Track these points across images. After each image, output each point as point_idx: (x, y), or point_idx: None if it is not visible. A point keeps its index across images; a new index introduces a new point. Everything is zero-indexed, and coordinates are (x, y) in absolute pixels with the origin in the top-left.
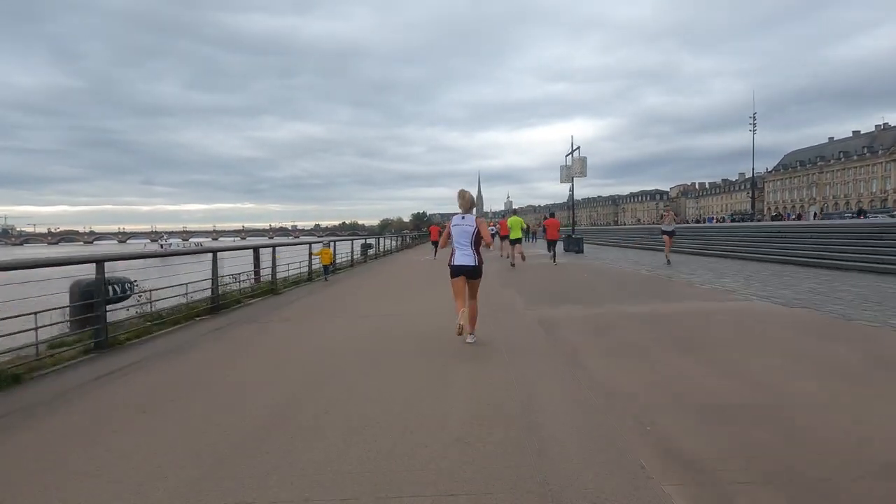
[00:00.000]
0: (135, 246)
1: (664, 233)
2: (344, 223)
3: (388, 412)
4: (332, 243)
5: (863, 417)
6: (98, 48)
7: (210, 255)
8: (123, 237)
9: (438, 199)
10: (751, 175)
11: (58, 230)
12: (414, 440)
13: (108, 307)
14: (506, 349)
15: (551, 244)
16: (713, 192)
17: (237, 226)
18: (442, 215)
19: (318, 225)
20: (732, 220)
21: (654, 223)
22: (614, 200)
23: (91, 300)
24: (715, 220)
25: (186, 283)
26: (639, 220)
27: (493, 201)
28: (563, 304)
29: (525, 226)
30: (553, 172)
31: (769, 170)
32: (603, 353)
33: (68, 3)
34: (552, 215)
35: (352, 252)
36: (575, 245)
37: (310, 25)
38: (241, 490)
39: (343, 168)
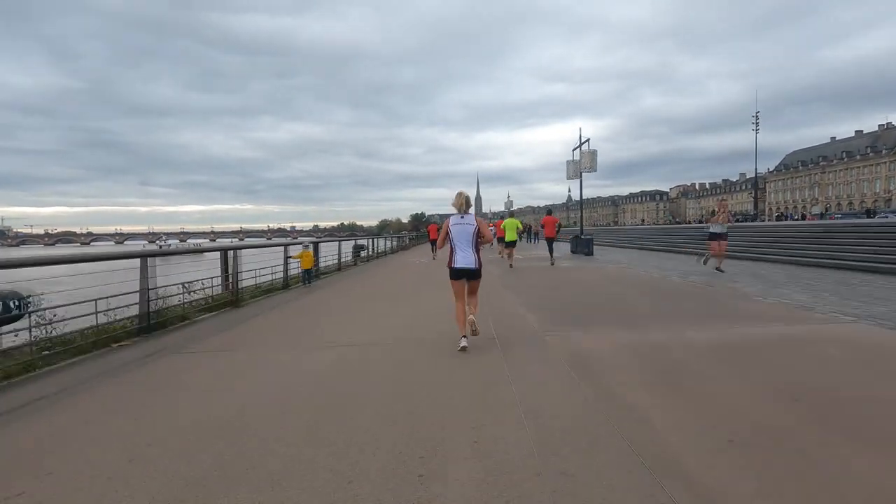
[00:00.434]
0: (134, 246)
1: (714, 236)
2: (342, 224)
3: None
4: (310, 245)
5: None
6: (96, 49)
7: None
8: (121, 238)
9: (437, 200)
10: (751, 175)
11: (55, 231)
12: None
13: None
14: (534, 438)
15: (549, 242)
16: (713, 192)
17: (235, 227)
18: (441, 216)
19: (316, 226)
20: (737, 221)
21: (666, 222)
22: (614, 201)
23: None
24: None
25: (108, 297)
26: (642, 220)
27: (493, 202)
28: (595, 326)
29: (521, 227)
30: (552, 173)
31: (770, 170)
32: (707, 441)
33: (66, 3)
34: (549, 213)
35: (339, 254)
36: (584, 246)
37: (308, 26)
38: None
39: (341, 169)
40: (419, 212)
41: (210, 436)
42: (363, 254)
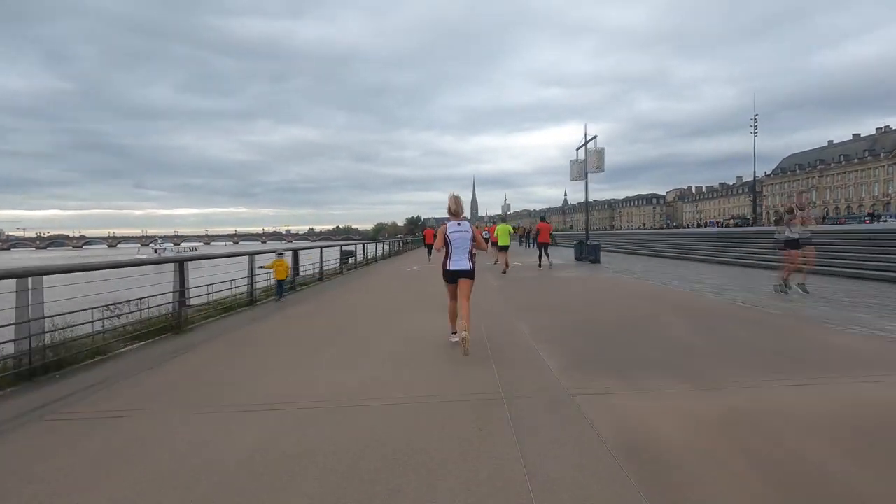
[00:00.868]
0: (127, 251)
1: (792, 244)
2: (338, 227)
3: None
4: (285, 253)
5: None
6: (91, 51)
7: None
8: (114, 241)
9: (433, 204)
10: (748, 179)
11: (47, 235)
12: None
13: None
14: None
15: (542, 247)
16: (710, 195)
17: (230, 230)
18: (437, 219)
19: (312, 229)
20: (737, 225)
21: (663, 226)
22: (610, 205)
23: None
24: (717, 225)
25: None
26: (643, 224)
27: (489, 205)
28: (639, 374)
29: (513, 231)
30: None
31: (767, 173)
32: None
33: (60, 6)
34: (543, 219)
35: (320, 262)
36: (590, 253)
37: (304, 30)
38: None
39: (337, 172)
40: (415, 215)
41: None
42: (351, 260)
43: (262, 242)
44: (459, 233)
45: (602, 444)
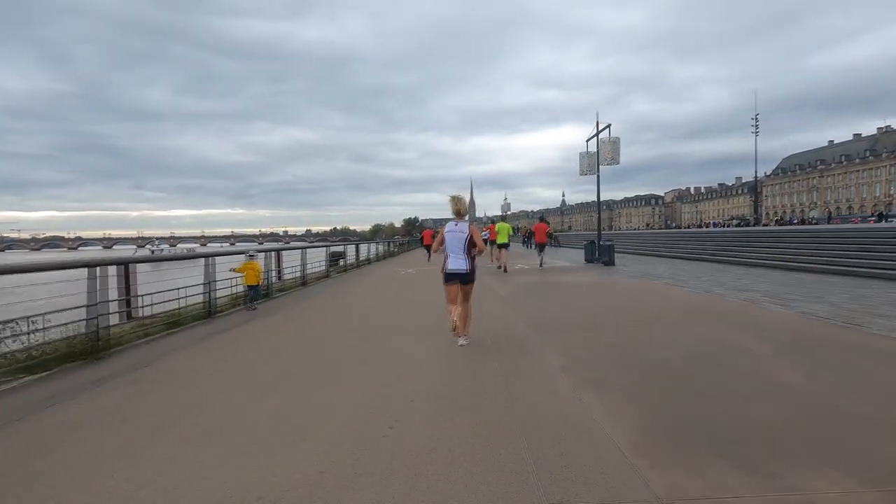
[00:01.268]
0: (123, 252)
1: None
2: (336, 228)
3: None
4: (256, 255)
5: None
6: (88, 52)
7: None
8: (109, 243)
9: (431, 205)
10: (747, 179)
11: (43, 236)
12: None
13: None
14: None
15: (539, 247)
16: (709, 196)
17: (227, 231)
18: (435, 220)
19: (309, 230)
20: (738, 226)
21: (661, 227)
22: (608, 205)
23: None
24: (718, 226)
25: None
26: (647, 224)
27: (487, 206)
28: (778, 461)
29: (512, 231)
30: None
31: (767, 174)
32: None
33: (59, 6)
34: (541, 219)
35: (302, 265)
36: (604, 254)
37: (302, 31)
38: None
39: (335, 173)
40: (413, 216)
41: None
42: (342, 262)
43: (259, 243)
44: (454, 233)
45: None
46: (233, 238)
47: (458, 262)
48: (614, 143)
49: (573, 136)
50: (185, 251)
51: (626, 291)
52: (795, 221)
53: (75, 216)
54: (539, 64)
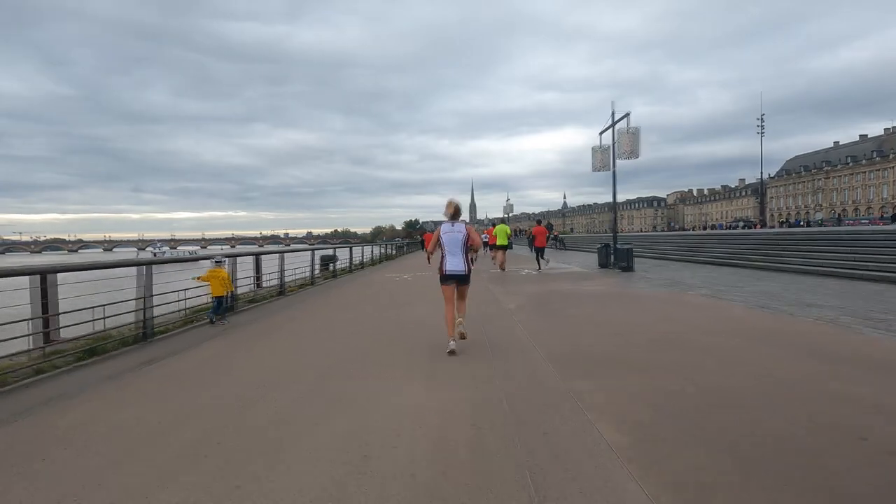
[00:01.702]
0: (124, 255)
1: None
2: (336, 231)
3: None
4: (224, 261)
5: None
6: (88, 55)
7: None
8: (109, 245)
9: (430, 207)
10: (750, 181)
11: (43, 239)
12: None
13: None
14: None
15: (539, 251)
16: (712, 198)
17: (227, 234)
18: (435, 223)
19: (310, 233)
20: (743, 228)
21: (663, 229)
22: (611, 208)
23: None
24: (725, 227)
25: None
26: (654, 226)
27: (487, 208)
28: None
29: (510, 233)
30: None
31: (771, 175)
32: None
33: (58, 10)
34: (539, 223)
35: (280, 272)
36: (621, 259)
37: (301, 34)
38: None
39: (335, 176)
40: (413, 218)
41: None
42: (332, 266)
43: (260, 246)
44: (452, 234)
45: None
46: (233, 240)
47: (456, 263)
48: (633, 135)
49: (574, 139)
50: (187, 253)
51: (662, 306)
52: (801, 224)
53: (76, 219)
54: (537, 67)
